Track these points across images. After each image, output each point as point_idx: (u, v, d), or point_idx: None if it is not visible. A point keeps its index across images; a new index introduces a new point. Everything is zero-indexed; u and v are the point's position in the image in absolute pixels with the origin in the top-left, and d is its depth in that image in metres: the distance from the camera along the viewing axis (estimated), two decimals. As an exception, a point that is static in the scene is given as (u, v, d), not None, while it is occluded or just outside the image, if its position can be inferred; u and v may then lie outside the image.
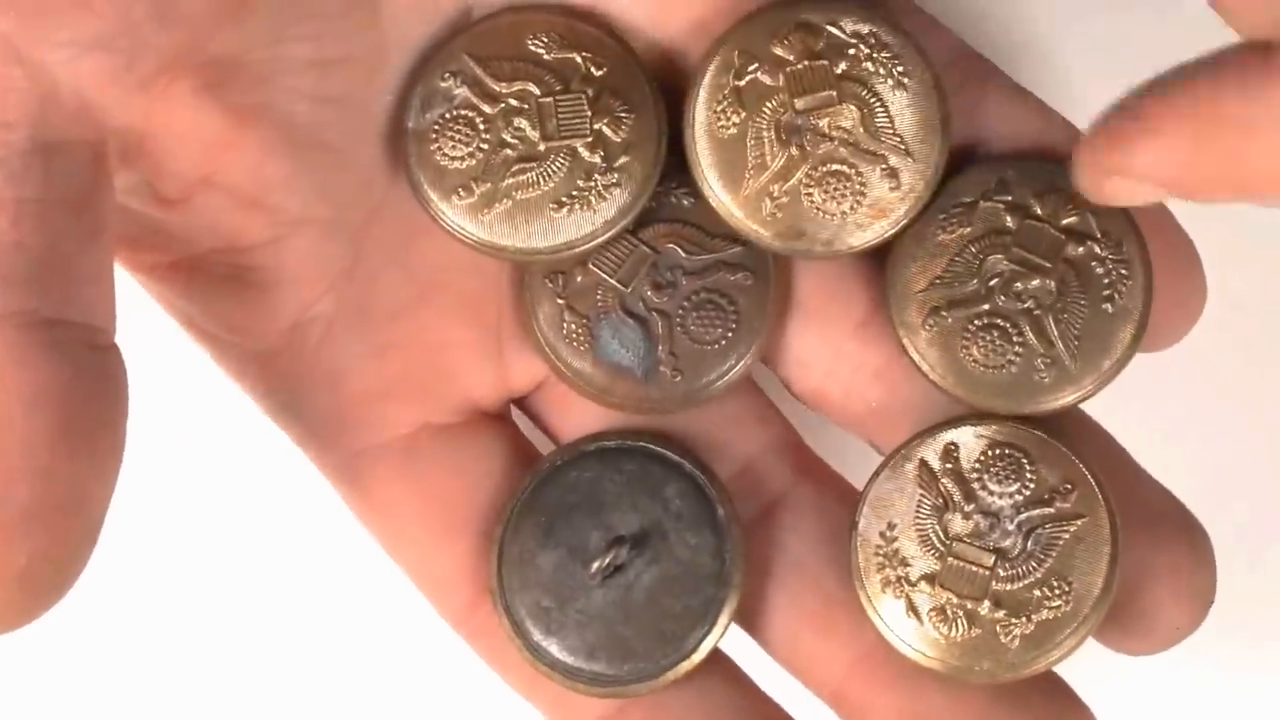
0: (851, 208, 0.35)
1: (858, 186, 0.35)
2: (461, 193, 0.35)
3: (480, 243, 0.35)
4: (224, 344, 0.36)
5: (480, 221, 0.35)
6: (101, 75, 0.31)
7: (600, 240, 0.35)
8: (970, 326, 0.35)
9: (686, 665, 0.35)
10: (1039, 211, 0.35)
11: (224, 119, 0.33)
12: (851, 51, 0.35)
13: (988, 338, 0.35)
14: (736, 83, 0.35)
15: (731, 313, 0.36)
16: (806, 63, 0.35)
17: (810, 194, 0.35)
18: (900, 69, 0.35)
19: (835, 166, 0.35)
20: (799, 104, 0.35)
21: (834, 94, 0.35)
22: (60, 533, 0.30)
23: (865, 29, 0.35)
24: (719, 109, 0.35)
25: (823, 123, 0.35)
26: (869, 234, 0.35)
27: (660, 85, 0.35)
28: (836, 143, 0.35)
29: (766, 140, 0.35)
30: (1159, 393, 0.37)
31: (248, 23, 0.32)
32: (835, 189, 0.35)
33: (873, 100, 0.35)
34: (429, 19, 0.35)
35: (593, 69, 0.35)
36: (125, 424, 0.31)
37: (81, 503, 0.30)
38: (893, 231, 0.35)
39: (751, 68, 0.35)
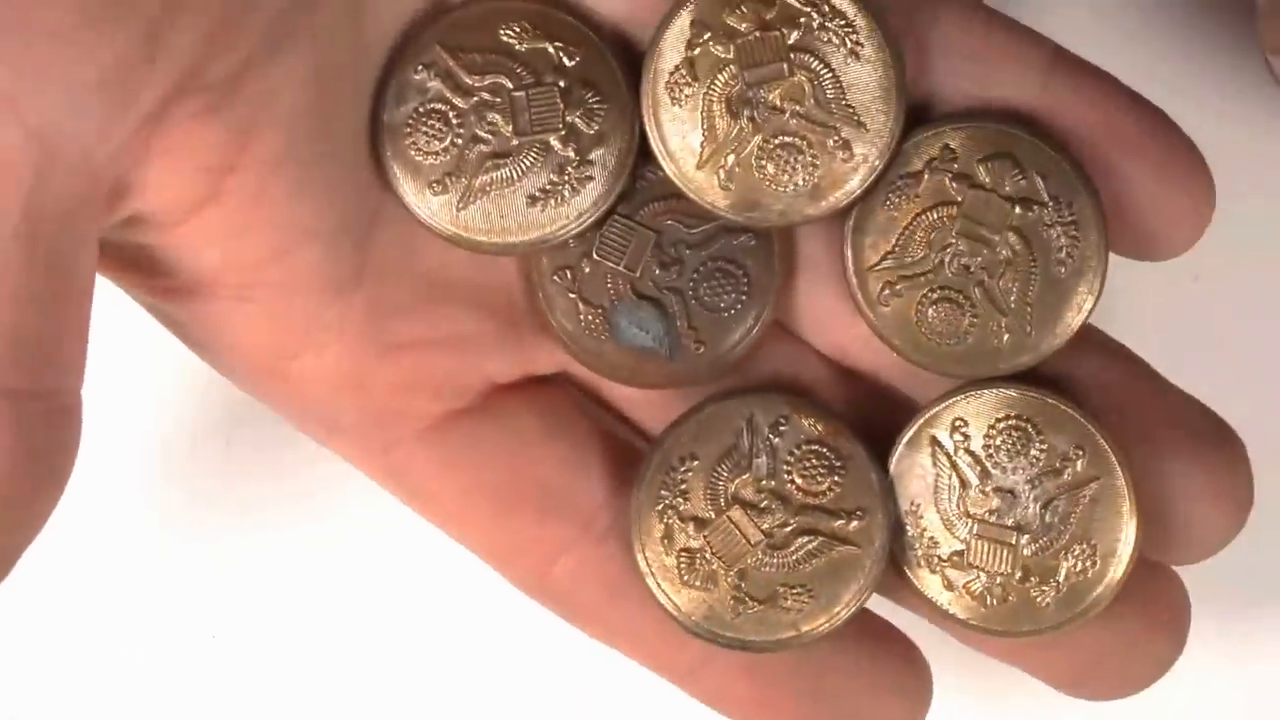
0: (804, 180, 0.34)
1: (810, 159, 0.34)
2: (436, 187, 0.35)
3: (456, 237, 0.35)
4: (237, 362, 0.36)
5: (455, 216, 0.35)
6: (99, 121, 0.31)
7: (575, 230, 0.35)
8: (924, 300, 0.35)
9: None
10: (984, 180, 0.34)
11: (223, 140, 0.32)
12: (803, 20, 0.34)
13: (941, 310, 0.34)
14: (689, 54, 0.34)
15: (741, 276, 0.36)
16: (758, 33, 0.34)
17: (763, 167, 0.34)
18: (854, 37, 0.34)
19: (787, 139, 0.34)
20: (748, 76, 0.34)
21: (784, 66, 0.34)
22: None
23: None
24: (672, 80, 0.34)
25: (773, 95, 0.34)
26: (823, 205, 0.34)
27: (633, 72, 0.35)
28: (788, 115, 0.34)
29: (718, 113, 0.34)
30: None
31: (242, 46, 0.32)
32: (787, 162, 0.34)
33: (824, 71, 0.34)
34: (407, 11, 0.35)
35: (565, 59, 0.35)
36: (59, 491, 0.32)
37: None
38: (846, 202, 0.34)
39: (704, 37, 0.34)
